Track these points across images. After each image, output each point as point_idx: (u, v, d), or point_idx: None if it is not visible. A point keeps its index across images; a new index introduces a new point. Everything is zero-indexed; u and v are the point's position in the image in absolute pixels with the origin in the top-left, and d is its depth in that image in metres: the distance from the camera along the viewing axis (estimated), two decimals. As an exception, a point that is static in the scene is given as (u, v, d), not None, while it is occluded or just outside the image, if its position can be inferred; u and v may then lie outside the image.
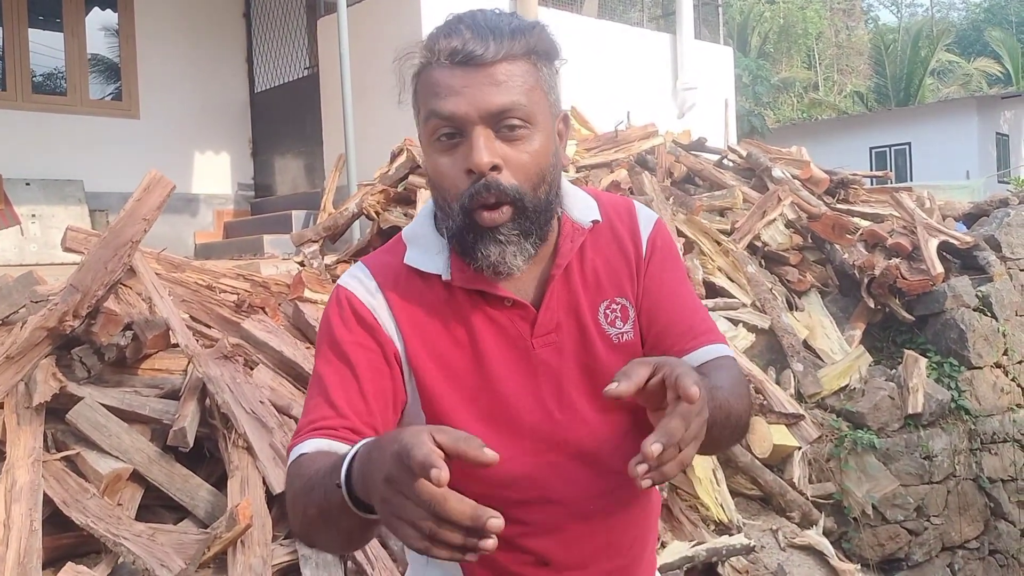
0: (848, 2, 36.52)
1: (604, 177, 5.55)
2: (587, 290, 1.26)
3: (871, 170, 19.78)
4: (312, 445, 1.12)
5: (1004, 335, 5.65)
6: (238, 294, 3.93)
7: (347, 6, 6.72)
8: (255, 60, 8.97)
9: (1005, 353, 5.67)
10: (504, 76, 1.14)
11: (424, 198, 5.33)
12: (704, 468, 4.06)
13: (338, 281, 1.28)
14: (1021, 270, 5.94)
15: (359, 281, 1.25)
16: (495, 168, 1.14)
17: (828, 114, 26.40)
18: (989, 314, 5.63)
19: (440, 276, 1.23)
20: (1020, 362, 5.75)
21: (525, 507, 1.21)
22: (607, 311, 1.26)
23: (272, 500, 3.00)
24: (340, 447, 1.10)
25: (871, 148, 20.46)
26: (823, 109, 27.79)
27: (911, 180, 18.87)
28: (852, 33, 34.95)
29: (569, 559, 1.24)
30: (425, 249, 1.26)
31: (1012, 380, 5.69)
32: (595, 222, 1.29)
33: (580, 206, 1.30)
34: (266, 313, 3.75)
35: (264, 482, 3.00)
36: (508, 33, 1.17)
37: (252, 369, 3.39)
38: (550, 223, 1.23)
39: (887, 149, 20.39)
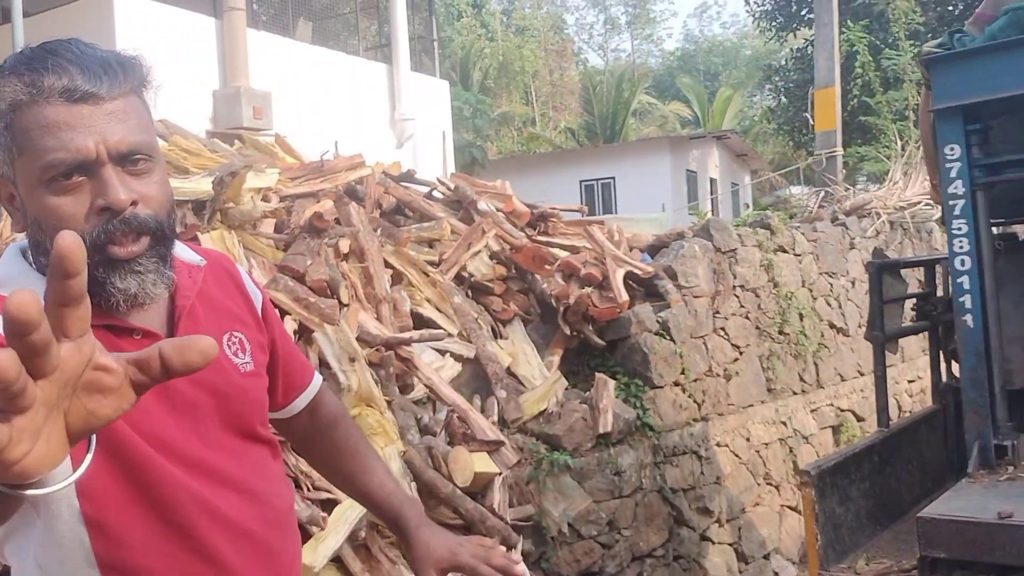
0: (560, 44, 39.12)
1: (308, 207, 5.43)
2: (211, 321, 1.31)
3: (582, 202, 21.23)
4: None
5: (681, 356, 6.22)
6: None
7: (24, 16, 6.07)
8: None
9: (683, 372, 6.23)
10: (123, 113, 1.16)
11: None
12: (403, 502, 4.04)
13: None
14: (695, 297, 6.58)
15: None
16: (132, 203, 1.15)
17: (544, 148, 28.01)
18: (668, 337, 6.17)
19: None
20: (695, 380, 6.35)
21: (190, 535, 1.21)
22: (230, 342, 1.33)
23: None
24: None
25: (581, 181, 21.91)
26: (540, 143, 29.44)
27: (616, 212, 20.43)
28: (564, 73, 37.42)
29: None
30: None
31: (689, 397, 6.27)
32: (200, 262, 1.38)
33: (178, 246, 1.33)
34: None
35: None
36: (119, 68, 1.17)
37: None
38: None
39: (595, 183, 21.94)
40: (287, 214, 5.49)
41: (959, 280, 3.76)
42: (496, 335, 5.93)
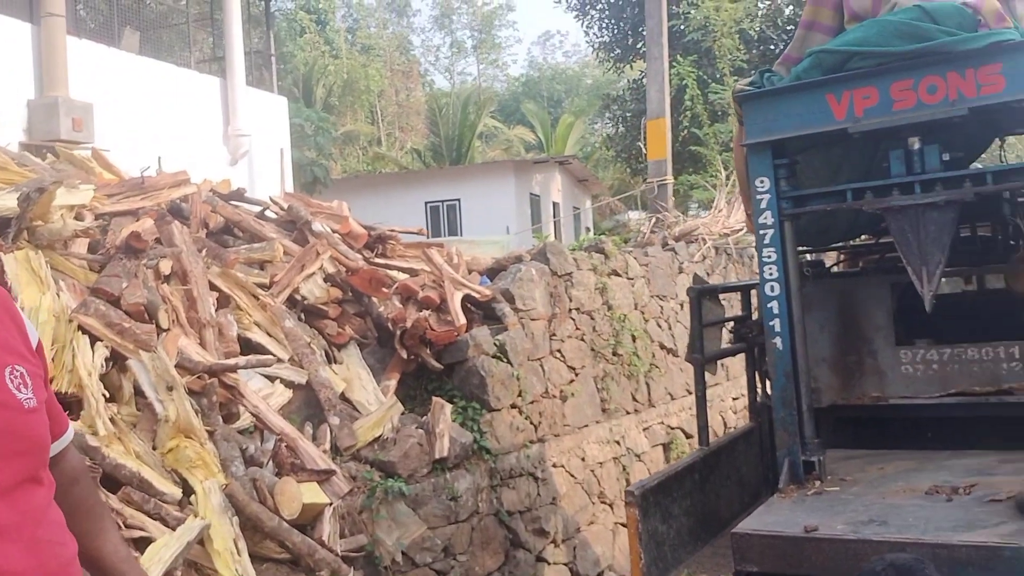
0: (406, 64, 39.12)
1: (126, 226, 5.12)
2: None
3: (427, 223, 21.20)
4: None
5: (518, 379, 6.27)
6: None
7: None
8: None
9: (520, 395, 6.29)
10: None
11: None
12: (224, 539, 3.85)
13: None
14: (532, 319, 6.67)
15: None
16: None
17: (390, 168, 27.86)
18: (505, 360, 6.21)
19: None
20: (532, 402, 6.42)
21: None
22: (12, 376, 1.26)
23: None
24: None
25: (426, 203, 21.91)
26: (386, 163, 29.26)
27: (461, 234, 20.54)
28: (411, 94, 37.41)
29: None
30: None
31: (526, 419, 6.33)
32: None
33: None
34: None
35: None
36: None
37: None
38: None
39: (440, 204, 21.99)
40: (102, 233, 5.16)
41: (769, 305, 3.98)
42: (330, 360, 5.78)
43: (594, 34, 21.76)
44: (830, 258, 6.18)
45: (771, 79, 4.08)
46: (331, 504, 4.58)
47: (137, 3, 11.37)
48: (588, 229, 24.29)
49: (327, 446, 5.05)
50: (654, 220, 10.69)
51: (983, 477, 3.81)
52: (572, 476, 6.76)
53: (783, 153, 3.98)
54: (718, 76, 16.30)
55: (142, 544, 3.75)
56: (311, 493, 4.49)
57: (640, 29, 16.25)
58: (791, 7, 17.22)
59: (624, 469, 7.47)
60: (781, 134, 3.92)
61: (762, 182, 3.97)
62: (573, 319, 7.15)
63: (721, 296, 5.37)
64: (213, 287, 5.37)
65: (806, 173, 4.25)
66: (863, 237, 5.97)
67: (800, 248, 4.76)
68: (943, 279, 4.08)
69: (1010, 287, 4.64)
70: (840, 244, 5.95)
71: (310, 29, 31.70)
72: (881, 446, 4.56)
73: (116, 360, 4.33)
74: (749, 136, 4.00)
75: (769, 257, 3.97)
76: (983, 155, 5.91)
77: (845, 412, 4.64)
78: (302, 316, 5.85)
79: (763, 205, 3.97)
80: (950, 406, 4.35)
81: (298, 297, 5.85)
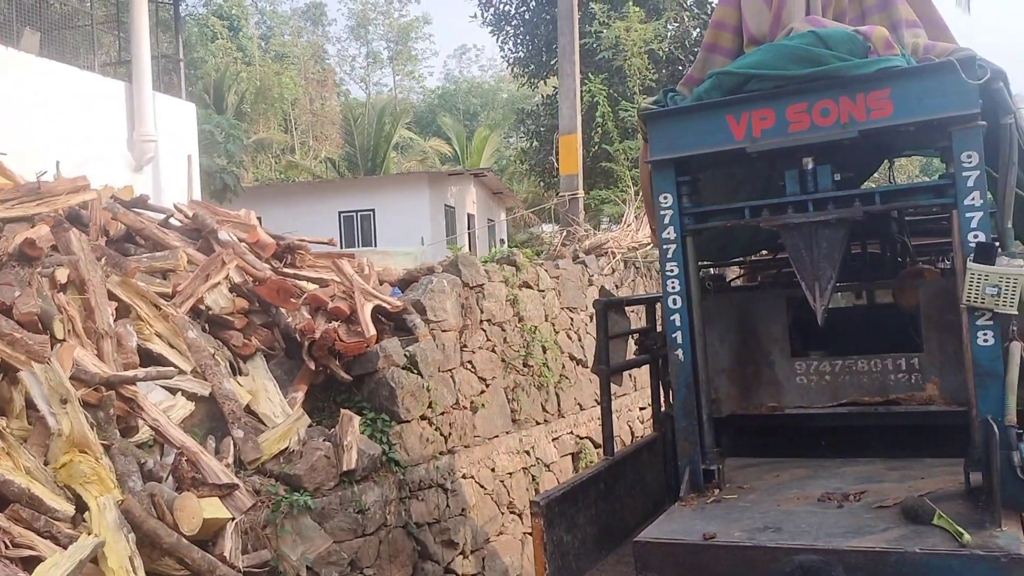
0: (321, 73, 38.67)
1: (20, 232, 4.92)
2: None
3: (341, 233, 20.97)
4: None
5: (428, 390, 6.25)
6: None
7: None
8: None
9: (430, 406, 6.27)
10: None
11: None
12: (119, 557, 3.73)
13: None
14: (443, 331, 6.67)
15: None
16: None
17: (304, 177, 27.46)
18: (416, 372, 6.19)
19: None
20: (442, 413, 6.42)
21: None
22: None
23: None
24: None
25: (340, 212, 21.66)
26: (300, 172, 28.83)
27: (376, 245, 20.36)
28: (326, 103, 36.98)
29: None
30: None
31: (436, 430, 6.31)
32: None
33: None
34: None
35: None
36: None
37: None
38: None
39: (354, 214, 21.78)
40: (-7, 240, 4.95)
41: (671, 318, 4.09)
42: (235, 371, 5.66)
43: (509, 49, 21.95)
44: (731, 272, 6.36)
45: (674, 98, 4.20)
46: (233, 519, 4.48)
47: (40, 3, 10.95)
48: (503, 241, 24.40)
49: (230, 460, 4.95)
50: (566, 233, 10.82)
51: (872, 484, 3.98)
52: (482, 487, 6.77)
53: (686, 170, 4.10)
54: (628, 94, 16.61)
55: (31, 563, 3.60)
56: (212, 508, 4.39)
57: (553, 46, 16.43)
58: (698, 30, 17.70)
59: (534, 479, 7.52)
60: (683, 152, 4.03)
61: (665, 198, 4.08)
62: (484, 330, 7.18)
63: (627, 308, 5.47)
64: (112, 296, 5.21)
65: (708, 190, 4.38)
66: (762, 252, 6.18)
67: (702, 262, 4.90)
68: (835, 294, 4.25)
69: (897, 302, 4.85)
70: (740, 259, 6.13)
71: (222, 35, 31.06)
72: (778, 454, 4.70)
73: (6, 372, 4.16)
74: (653, 153, 4.11)
75: (672, 271, 4.07)
76: (874, 175, 6.21)
77: (744, 422, 4.77)
78: (206, 327, 5.72)
79: (666, 220, 4.08)
80: (842, 415, 4.51)
81: (202, 307, 5.72)
